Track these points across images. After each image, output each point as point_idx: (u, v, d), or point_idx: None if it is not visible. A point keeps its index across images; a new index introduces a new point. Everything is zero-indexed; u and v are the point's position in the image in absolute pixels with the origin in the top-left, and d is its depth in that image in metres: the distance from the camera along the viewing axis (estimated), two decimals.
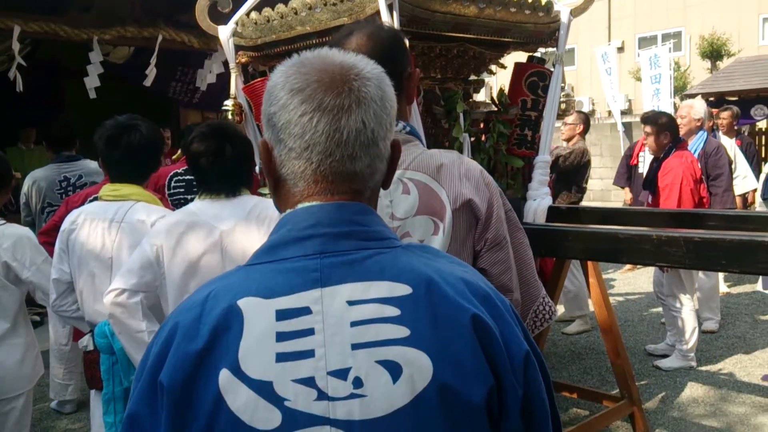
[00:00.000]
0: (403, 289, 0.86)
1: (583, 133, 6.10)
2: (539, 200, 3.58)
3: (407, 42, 2.95)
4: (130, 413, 0.87)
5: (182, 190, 4.03)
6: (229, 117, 3.65)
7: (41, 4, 6.11)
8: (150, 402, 0.85)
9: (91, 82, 6.11)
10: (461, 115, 3.47)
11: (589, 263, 3.83)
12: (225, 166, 2.29)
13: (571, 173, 5.85)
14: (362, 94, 0.89)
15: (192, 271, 2.26)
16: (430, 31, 3.23)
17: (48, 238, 3.25)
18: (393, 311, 0.85)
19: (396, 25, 2.87)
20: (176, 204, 3.83)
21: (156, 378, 0.84)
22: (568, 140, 6.13)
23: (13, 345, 2.84)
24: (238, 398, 0.81)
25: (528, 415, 0.90)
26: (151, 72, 6.48)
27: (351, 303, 0.85)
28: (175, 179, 4.01)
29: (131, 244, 2.53)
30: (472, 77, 3.89)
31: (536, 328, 1.86)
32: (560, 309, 5.82)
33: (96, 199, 2.86)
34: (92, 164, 4.46)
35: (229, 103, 3.67)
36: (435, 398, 0.83)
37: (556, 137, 7.59)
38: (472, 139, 3.60)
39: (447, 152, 1.75)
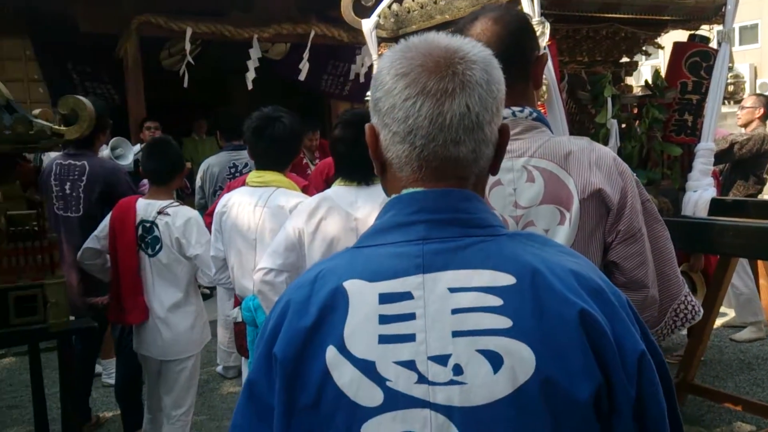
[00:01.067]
0: (506, 279, 0.86)
1: (764, 117, 5.56)
2: (700, 191, 3.33)
3: (548, 25, 2.89)
4: (249, 379, 0.93)
5: None
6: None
7: (209, 8, 6.65)
8: (266, 371, 0.90)
9: (250, 75, 6.55)
10: (609, 100, 3.31)
11: (760, 263, 3.48)
12: (360, 154, 2.36)
13: (748, 162, 5.35)
14: (467, 78, 0.88)
15: (329, 253, 2.35)
16: (575, 12, 3.11)
17: (211, 219, 3.56)
18: (495, 301, 0.85)
19: (537, 8, 2.80)
20: None
21: (271, 349, 0.90)
22: (745, 126, 5.62)
23: (185, 312, 3.20)
24: (344, 375, 0.84)
25: (642, 418, 0.86)
26: (305, 66, 6.80)
27: (452, 290, 0.85)
28: None
29: (272, 227, 2.72)
30: (624, 59, 3.69)
31: (675, 328, 1.73)
32: (730, 313, 5.37)
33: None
34: None
35: (369, 95, 3.77)
36: (537, 392, 0.82)
37: (731, 123, 6.99)
38: (622, 125, 3.43)
39: (577, 139, 1.68)
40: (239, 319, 2.79)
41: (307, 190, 3.29)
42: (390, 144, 0.93)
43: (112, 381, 4.38)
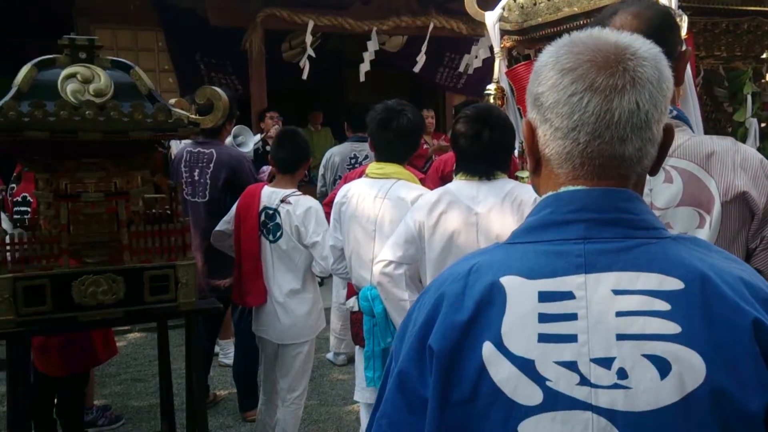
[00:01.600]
0: (674, 284, 0.83)
1: None
2: None
3: (685, 18, 2.73)
4: (400, 370, 0.93)
5: None
6: (491, 101, 3.70)
7: (331, 1, 6.79)
8: (418, 363, 0.91)
9: (364, 67, 6.63)
10: (748, 98, 3.09)
11: None
12: (482, 149, 2.35)
13: None
14: (638, 75, 0.87)
15: (449, 247, 2.36)
16: (716, 5, 2.92)
17: (329, 209, 3.64)
18: (662, 305, 0.82)
19: (675, 0, 2.65)
20: None
21: (424, 342, 0.90)
22: None
23: (302, 299, 3.32)
24: (501, 371, 0.84)
25: None
26: (421, 58, 6.81)
27: (617, 292, 0.84)
28: None
29: (392, 219, 2.74)
30: (766, 55, 3.42)
31: None
32: None
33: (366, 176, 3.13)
34: None
35: (491, 88, 3.71)
36: (707, 401, 0.79)
37: None
38: (762, 124, 3.19)
39: (720, 139, 1.58)
40: (355, 309, 2.84)
41: (423, 185, 3.30)
42: (550, 140, 0.91)
43: (228, 361, 4.60)
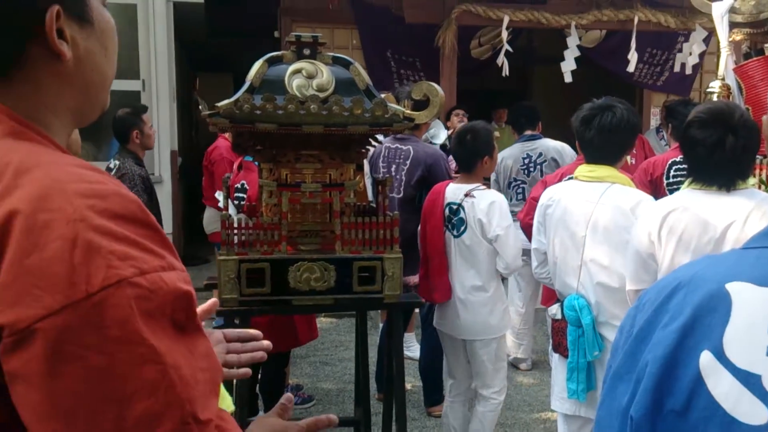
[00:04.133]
0: None
1: None
2: None
3: None
4: (612, 375, 0.89)
5: (683, 179, 3.89)
6: (714, 99, 3.38)
7: None
8: (630, 368, 0.86)
9: (568, 65, 6.39)
10: None
11: None
12: (724, 157, 2.11)
13: None
14: None
15: (681, 262, 2.17)
16: None
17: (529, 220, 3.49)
18: None
19: None
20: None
21: (638, 348, 0.85)
22: None
23: (483, 296, 3.26)
24: (720, 384, 0.77)
25: None
26: (633, 56, 6.43)
27: None
28: (674, 168, 3.88)
29: (606, 225, 2.57)
30: None
31: None
32: None
33: (571, 178, 2.97)
34: (550, 142, 4.75)
35: (715, 85, 3.40)
36: None
37: None
38: None
39: None
40: (558, 317, 2.72)
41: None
42: None
43: (410, 354, 4.65)
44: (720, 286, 0.81)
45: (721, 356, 0.78)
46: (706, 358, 0.78)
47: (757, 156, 2.59)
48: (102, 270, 0.65)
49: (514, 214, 4.58)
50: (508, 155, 4.82)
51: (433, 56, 6.77)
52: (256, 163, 2.71)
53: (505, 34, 6.20)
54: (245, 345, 1.24)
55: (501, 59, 6.35)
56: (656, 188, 3.80)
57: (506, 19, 6.17)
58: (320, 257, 2.52)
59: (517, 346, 4.77)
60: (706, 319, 0.80)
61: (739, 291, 0.80)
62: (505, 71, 6.36)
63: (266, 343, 1.25)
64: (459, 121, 6.03)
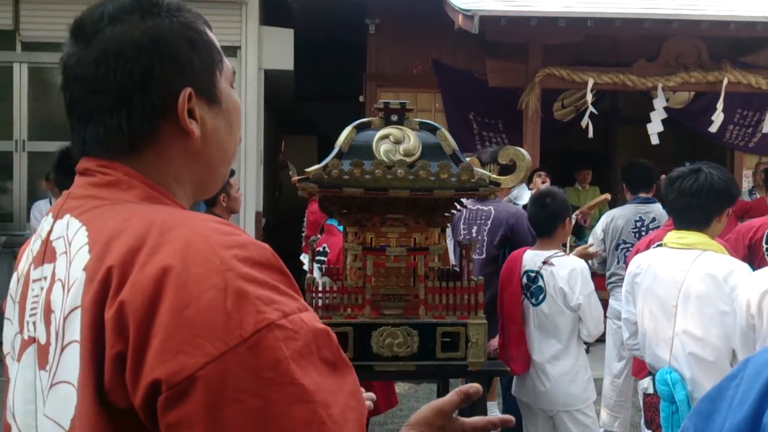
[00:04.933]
0: None
1: None
2: None
3: None
4: None
5: None
6: None
7: (612, 59, 6.60)
8: None
9: (654, 127, 6.27)
10: None
11: None
12: None
13: None
14: None
15: None
16: None
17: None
18: None
19: None
20: None
21: (758, 420, 0.82)
22: None
23: (564, 364, 3.15)
24: None
25: None
26: (718, 117, 6.25)
27: None
28: None
29: (699, 295, 2.46)
30: None
31: None
32: None
33: (660, 245, 2.87)
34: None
35: None
36: None
37: None
38: None
39: None
40: (650, 391, 2.58)
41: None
42: None
43: None
44: None
45: None
46: None
47: None
48: (252, 315, 0.68)
49: (618, 277, 4.45)
50: (620, 215, 4.64)
51: (516, 118, 6.78)
52: (340, 226, 2.77)
53: (589, 97, 6.16)
54: None
55: (585, 121, 6.30)
56: (755, 252, 3.61)
57: (591, 82, 6.14)
58: (404, 322, 2.52)
59: (613, 419, 4.53)
60: None
61: None
62: (590, 133, 6.29)
63: (370, 394, 1.27)
64: (542, 182, 5.97)
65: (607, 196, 5.78)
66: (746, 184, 7.40)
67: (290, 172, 2.62)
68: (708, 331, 2.43)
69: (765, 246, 3.72)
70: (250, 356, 0.67)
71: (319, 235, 3.81)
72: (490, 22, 5.84)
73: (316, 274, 3.20)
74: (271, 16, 7.34)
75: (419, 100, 7.81)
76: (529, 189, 6.06)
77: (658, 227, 4.39)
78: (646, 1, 6.42)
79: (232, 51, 6.71)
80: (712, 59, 6.44)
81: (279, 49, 6.83)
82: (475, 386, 0.98)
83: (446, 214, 2.71)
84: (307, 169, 2.47)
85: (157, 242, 0.72)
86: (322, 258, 3.67)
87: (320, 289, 2.54)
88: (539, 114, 6.51)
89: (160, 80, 0.81)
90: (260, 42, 6.80)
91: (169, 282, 0.69)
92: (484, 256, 4.05)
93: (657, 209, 4.55)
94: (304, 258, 3.71)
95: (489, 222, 4.09)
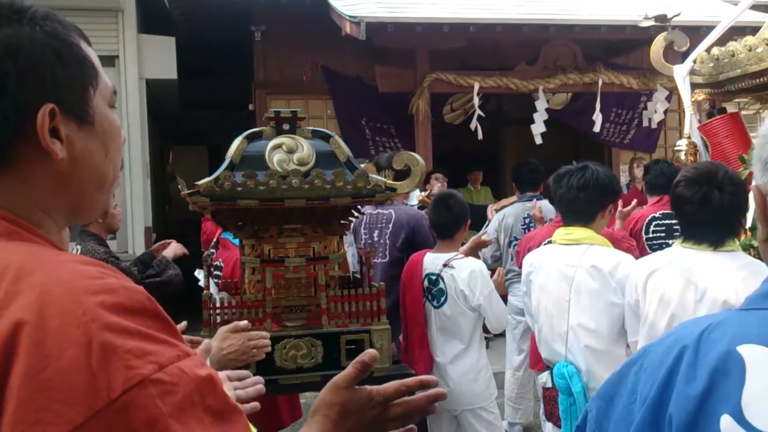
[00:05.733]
0: None
1: None
2: None
3: None
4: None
5: (662, 235, 3.96)
6: (682, 157, 3.47)
7: (495, 63, 6.84)
8: None
9: (537, 128, 6.56)
10: None
11: None
12: (712, 214, 2.14)
13: None
14: None
15: (663, 318, 2.19)
16: None
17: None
18: None
19: None
20: (654, 250, 3.78)
21: (656, 416, 0.84)
22: None
23: (467, 364, 3.21)
24: None
25: None
26: (598, 117, 6.63)
27: None
28: (654, 224, 3.95)
29: (590, 288, 2.57)
30: None
31: None
32: None
33: (550, 242, 2.98)
34: (550, 204, 4.74)
35: (682, 143, 3.49)
36: None
37: None
38: None
39: None
40: (548, 385, 2.67)
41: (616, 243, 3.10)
42: None
43: None
44: (731, 348, 0.82)
45: (741, 419, 0.78)
46: (726, 422, 0.78)
47: None
48: (121, 372, 0.61)
49: (514, 273, 4.60)
50: (509, 213, 4.79)
51: (407, 123, 6.89)
52: (235, 240, 2.69)
53: (476, 100, 6.36)
54: (245, 382, 1.36)
55: (474, 124, 6.49)
56: (636, 242, 3.85)
57: (477, 86, 6.34)
58: (307, 333, 2.48)
59: (515, 411, 4.66)
60: (722, 382, 0.81)
61: (753, 353, 0.81)
62: (479, 135, 6.49)
63: (259, 378, 1.39)
64: (439, 184, 6.06)
65: (514, 198, 5.99)
66: (624, 178, 7.89)
67: (179, 186, 2.49)
68: (600, 323, 2.54)
69: (644, 236, 3.98)
70: (121, 419, 0.59)
71: (213, 250, 3.69)
72: (377, 28, 5.90)
73: (213, 289, 3.09)
74: (150, 24, 7.06)
75: (311, 107, 7.76)
76: (426, 191, 6.17)
77: (545, 222, 4.60)
78: (526, 7, 6.71)
79: (110, 61, 6.40)
80: (587, 61, 6.83)
81: (160, 58, 6.58)
82: (370, 353, 0.94)
83: (344, 222, 2.69)
84: (197, 182, 2.38)
85: (10, 292, 0.63)
86: (219, 273, 3.56)
87: (218, 305, 2.45)
88: (430, 118, 6.65)
89: (16, 94, 0.72)
90: (140, 51, 6.53)
91: (23, 340, 0.60)
92: (387, 259, 4.06)
93: (544, 206, 4.75)
94: (200, 274, 3.57)
95: (390, 225, 4.11)
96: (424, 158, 6.73)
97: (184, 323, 1.54)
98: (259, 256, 2.53)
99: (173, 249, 3.45)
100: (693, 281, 2.15)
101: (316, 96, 7.66)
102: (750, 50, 3.16)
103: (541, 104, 6.55)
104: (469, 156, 8.38)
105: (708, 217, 2.14)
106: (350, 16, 6.00)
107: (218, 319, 2.45)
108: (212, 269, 3.48)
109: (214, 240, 3.77)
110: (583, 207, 2.69)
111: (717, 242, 2.15)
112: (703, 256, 2.17)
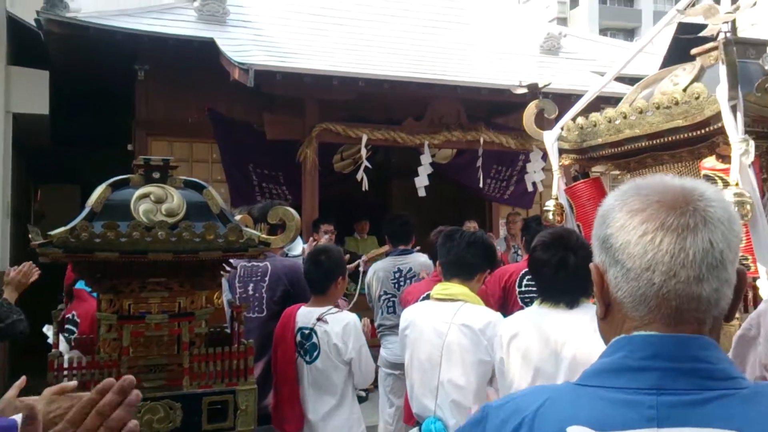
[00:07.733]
0: None
1: None
2: None
3: (751, 143, 2.66)
4: None
5: (534, 289, 4.05)
6: (550, 217, 3.64)
7: (383, 117, 6.98)
8: None
9: (421, 181, 6.71)
10: None
11: None
12: (567, 277, 2.24)
13: None
14: (708, 215, 0.87)
15: (527, 375, 2.25)
16: None
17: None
18: None
19: (740, 125, 2.60)
20: (527, 303, 3.87)
21: None
22: None
23: (339, 419, 3.15)
24: None
25: None
26: (479, 173, 6.92)
27: None
28: (526, 278, 4.05)
29: (461, 345, 2.62)
30: None
31: None
32: None
33: (428, 296, 3.02)
34: (421, 257, 4.80)
35: (550, 204, 3.67)
36: None
37: None
38: None
39: None
40: None
41: (484, 297, 3.18)
42: (622, 282, 0.90)
43: None
44: (562, 428, 0.85)
45: None
46: None
47: None
48: None
49: (384, 327, 4.58)
50: (380, 267, 4.82)
51: (296, 170, 6.84)
52: (94, 293, 2.51)
53: (364, 152, 6.44)
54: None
55: (360, 174, 6.55)
56: (509, 295, 3.95)
57: (364, 138, 6.43)
58: (165, 395, 2.33)
59: None
60: None
61: None
62: (365, 186, 6.54)
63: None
64: (328, 239, 6.01)
65: (386, 248, 6.03)
66: (502, 231, 8.20)
67: (30, 236, 2.29)
68: (469, 379, 2.59)
69: (517, 290, 4.10)
70: None
71: (61, 305, 3.41)
72: (265, 76, 5.87)
73: (63, 347, 2.85)
74: (22, 55, 6.66)
75: (195, 150, 7.56)
76: (315, 241, 6.10)
77: (414, 276, 4.64)
78: (414, 65, 6.93)
79: None
80: (470, 120, 7.12)
81: (31, 92, 6.20)
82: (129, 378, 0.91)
83: (215, 276, 2.59)
84: (51, 232, 2.21)
85: None
86: (72, 328, 3.28)
87: (66, 366, 2.26)
88: (317, 166, 6.64)
89: None
90: (8, 83, 6.12)
91: None
92: (264, 314, 3.91)
93: (414, 260, 4.81)
94: (49, 330, 3.27)
95: (267, 278, 3.98)
96: (311, 207, 6.73)
97: (22, 379, 1.37)
98: (117, 312, 2.37)
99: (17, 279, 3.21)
100: (551, 339, 2.23)
101: (201, 139, 7.45)
102: (609, 121, 3.39)
103: (426, 158, 6.73)
104: (359, 204, 8.44)
105: (564, 278, 2.24)
106: (239, 63, 5.94)
107: (66, 381, 2.25)
108: (64, 324, 3.23)
109: (66, 289, 3.46)
110: (470, 260, 2.80)
111: (572, 303, 2.26)
112: (559, 315, 2.26)
